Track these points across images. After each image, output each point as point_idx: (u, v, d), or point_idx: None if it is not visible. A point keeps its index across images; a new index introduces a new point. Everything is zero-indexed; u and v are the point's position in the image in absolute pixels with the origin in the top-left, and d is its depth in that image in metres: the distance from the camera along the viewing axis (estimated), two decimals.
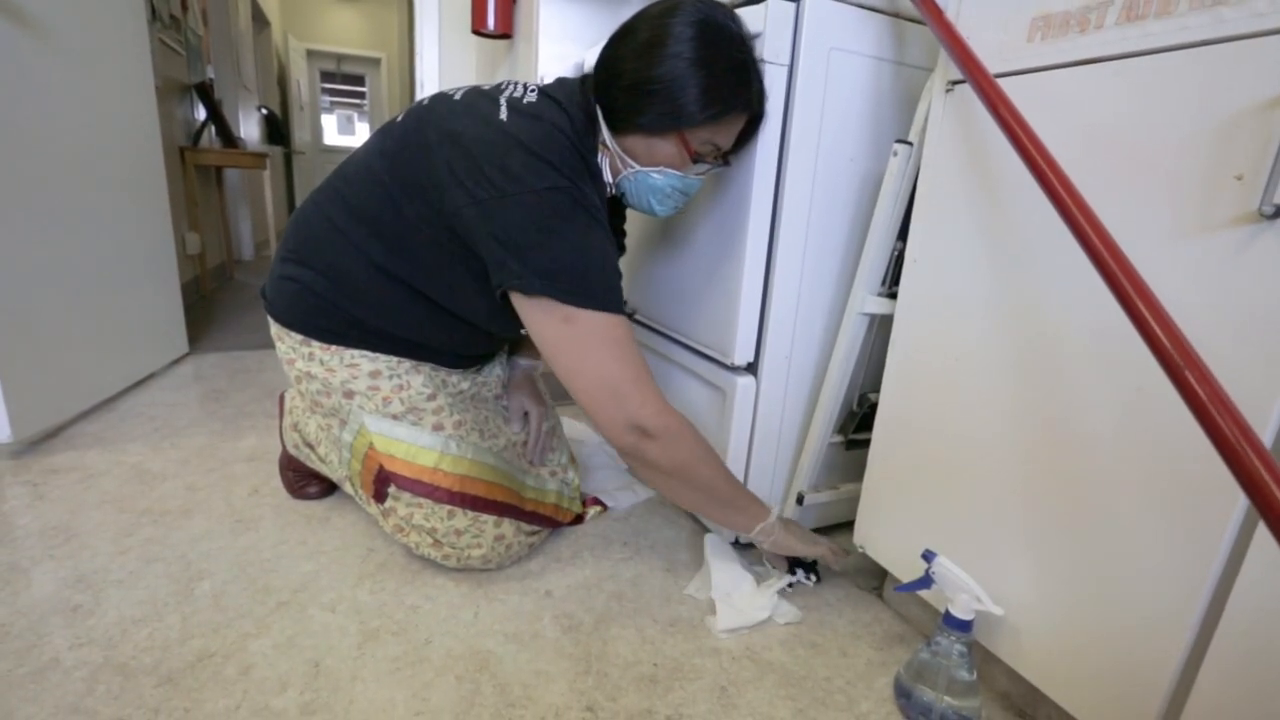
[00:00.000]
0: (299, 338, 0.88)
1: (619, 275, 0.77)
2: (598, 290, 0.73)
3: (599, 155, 0.80)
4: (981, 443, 0.70)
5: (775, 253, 0.88)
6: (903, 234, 0.84)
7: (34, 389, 1.25)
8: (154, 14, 2.19)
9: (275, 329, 0.91)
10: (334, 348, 0.86)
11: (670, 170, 0.79)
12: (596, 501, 1.13)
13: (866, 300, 0.86)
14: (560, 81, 0.82)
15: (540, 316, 0.74)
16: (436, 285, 0.83)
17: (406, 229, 0.79)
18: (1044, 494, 0.64)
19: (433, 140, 0.75)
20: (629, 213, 0.99)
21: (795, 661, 0.79)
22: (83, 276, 1.40)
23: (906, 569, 0.83)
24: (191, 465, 1.22)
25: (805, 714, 0.71)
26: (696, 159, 0.79)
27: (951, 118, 0.71)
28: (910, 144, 0.79)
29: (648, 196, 0.82)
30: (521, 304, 0.74)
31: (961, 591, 0.66)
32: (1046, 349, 0.63)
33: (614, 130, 0.78)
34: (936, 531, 0.76)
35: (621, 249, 1.02)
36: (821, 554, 0.88)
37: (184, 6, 2.66)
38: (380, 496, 0.90)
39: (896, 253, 0.86)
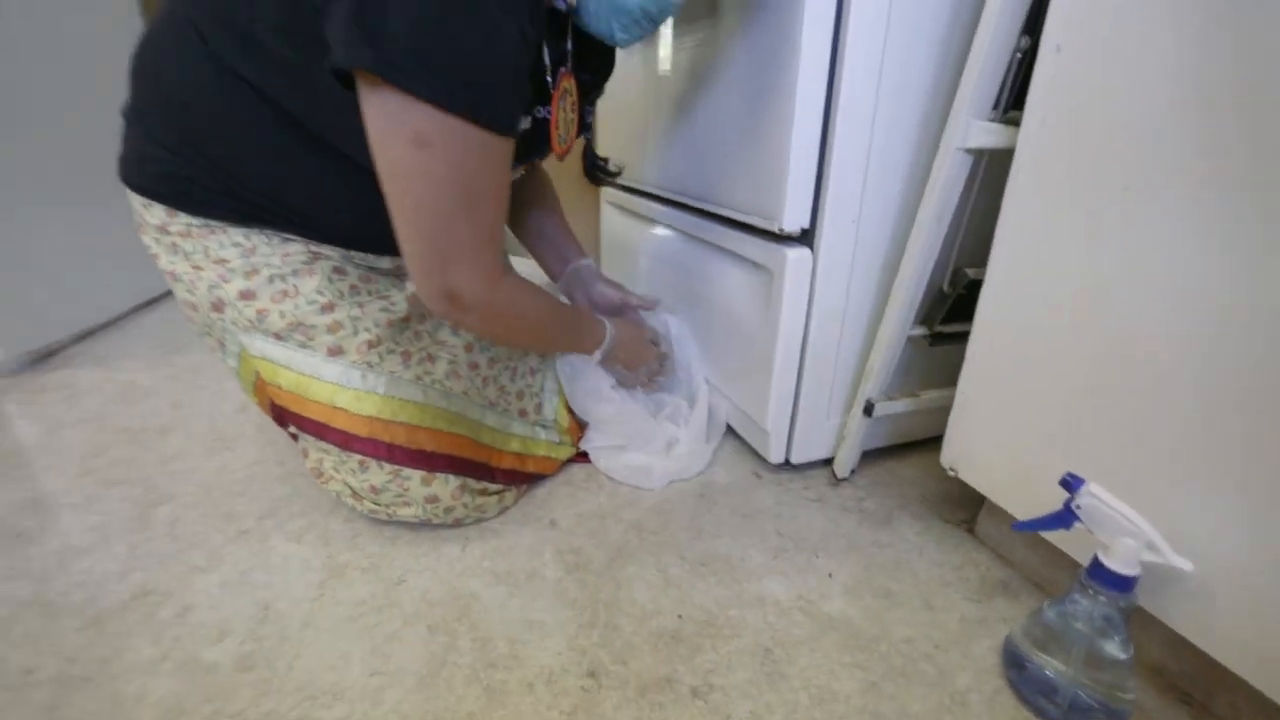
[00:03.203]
0: (159, 217, 0.63)
1: (525, 89, 0.56)
2: (486, 90, 0.49)
3: None
4: (1167, 322, 0.46)
5: (839, 73, 0.63)
6: (1030, 28, 0.58)
7: (25, 308, 1.17)
8: None
9: (135, 206, 0.65)
10: (196, 232, 0.62)
11: None
12: (584, 457, 0.86)
13: (971, 129, 0.61)
14: None
15: (381, 123, 0.49)
16: (302, 100, 0.57)
17: (253, 6, 0.54)
18: (1268, 405, 0.40)
19: None
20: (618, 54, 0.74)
21: (864, 615, 0.61)
22: (76, 187, 1.29)
23: (1019, 498, 0.61)
24: (182, 381, 1.11)
25: (879, 690, 0.53)
26: None
27: None
28: None
29: (610, 19, 0.59)
30: (364, 100, 0.49)
31: (1124, 534, 0.44)
32: None
33: None
34: (1075, 451, 0.54)
35: (600, 85, 0.76)
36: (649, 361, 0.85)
37: None
38: (293, 436, 0.72)
39: (1021, 54, 0.59)
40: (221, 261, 0.63)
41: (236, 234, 0.63)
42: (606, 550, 0.69)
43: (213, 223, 0.62)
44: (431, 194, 0.52)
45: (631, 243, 1.15)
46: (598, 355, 0.80)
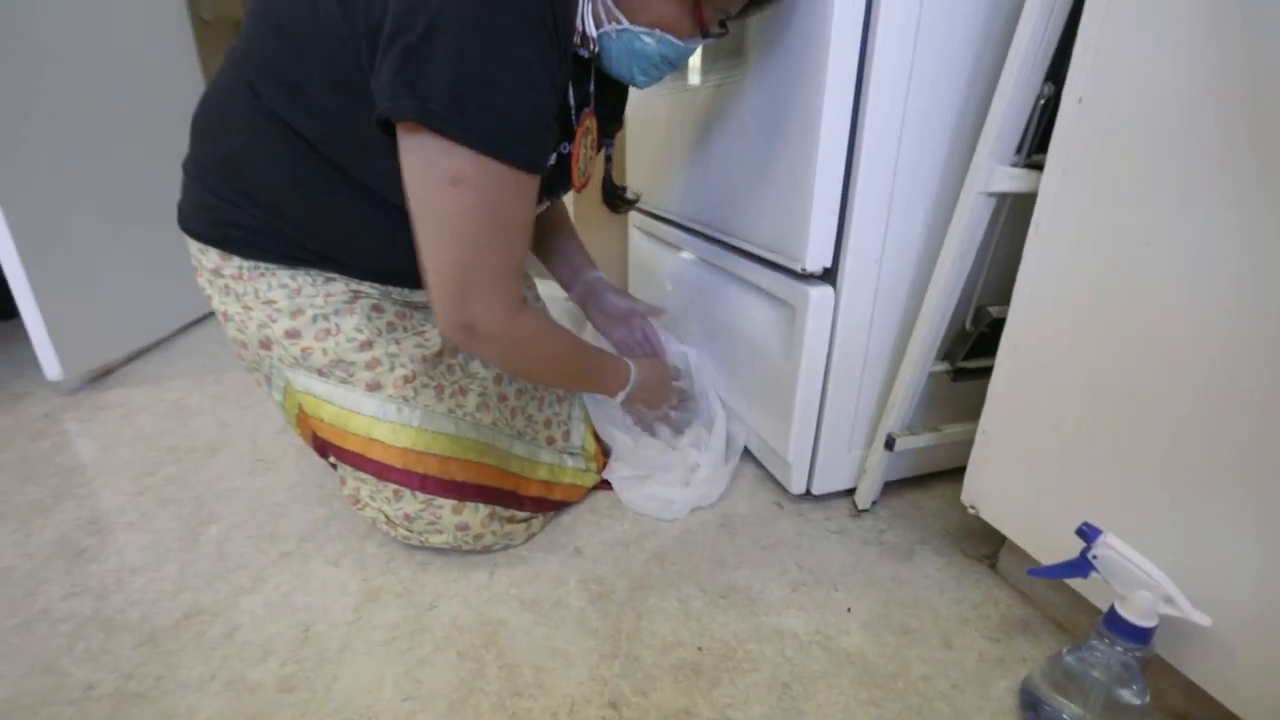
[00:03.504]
0: (213, 261, 0.68)
1: (553, 131, 0.59)
2: (518, 133, 0.53)
3: (582, 0, 0.59)
4: (1188, 368, 0.46)
5: (862, 116, 0.64)
6: (1053, 75, 0.58)
7: (84, 329, 1.24)
8: None
9: (192, 251, 0.70)
10: (247, 274, 0.67)
11: (668, 37, 0.60)
12: (609, 484, 0.87)
13: (995, 174, 0.62)
14: None
15: (419, 164, 0.53)
16: (345, 147, 0.61)
17: (298, 60, 0.58)
18: None
19: None
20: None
21: (882, 652, 0.62)
22: (132, 218, 1.38)
23: (1039, 540, 0.62)
24: (227, 401, 1.17)
25: None
26: (704, 31, 0.60)
27: None
28: None
29: (630, 63, 0.62)
30: (403, 143, 0.53)
31: (1141, 587, 0.45)
32: None
33: None
34: (1094, 495, 0.54)
35: (618, 119, 0.79)
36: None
37: None
38: (333, 465, 0.75)
39: (1044, 100, 0.60)
40: (270, 302, 0.67)
41: (284, 275, 0.67)
42: (629, 580, 0.71)
43: (262, 265, 0.66)
44: (463, 227, 0.55)
45: (657, 268, 1.17)
46: (621, 396, 0.81)
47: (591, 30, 0.60)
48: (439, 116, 0.50)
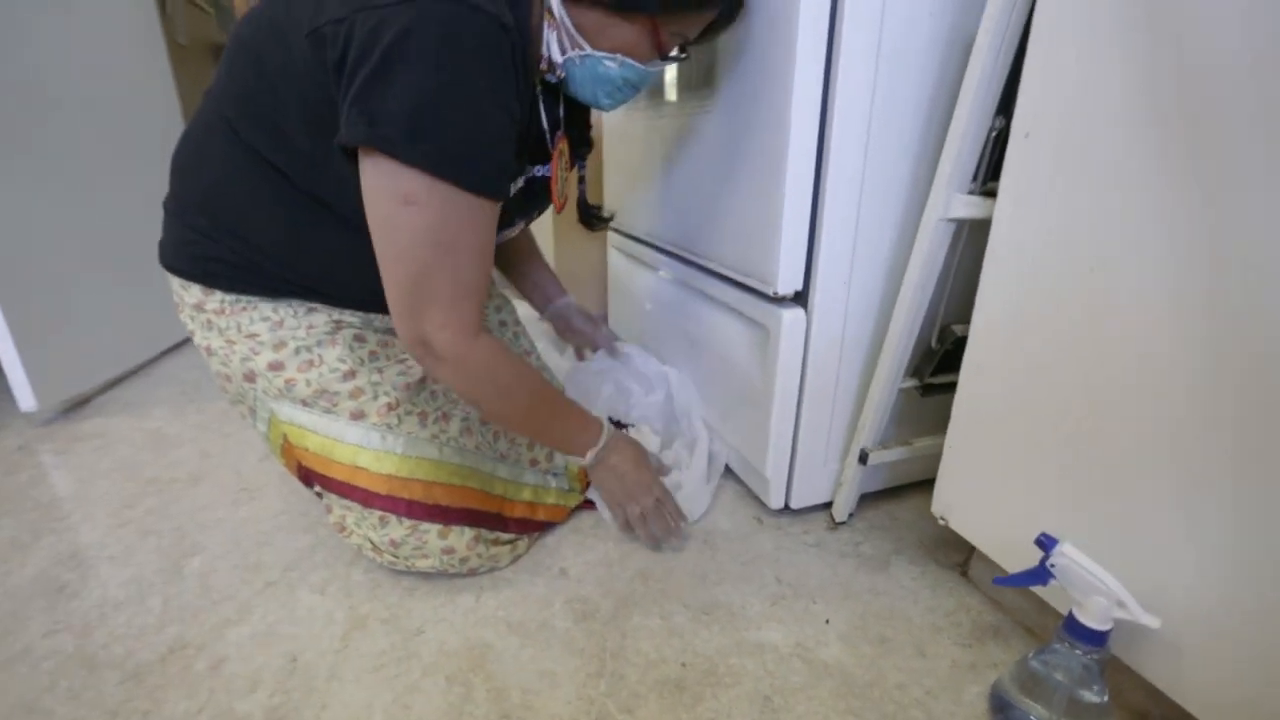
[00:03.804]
0: (195, 296, 0.69)
1: (508, 158, 0.60)
2: (470, 158, 0.55)
3: (545, 26, 0.61)
4: (1133, 384, 0.49)
5: (827, 145, 0.67)
6: (1004, 109, 0.62)
7: (58, 358, 1.23)
8: None
9: (174, 287, 0.71)
10: (229, 309, 0.68)
11: (630, 61, 0.62)
12: (591, 504, 0.88)
13: (953, 201, 0.65)
14: None
15: (374, 185, 0.55)
16: (322, 181, 0.63)
17: (274, 97, 0.60)
18: (1237, 457, 0.44)
19: None
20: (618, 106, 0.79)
21: (859, 662, 0.64)
22: (107, 244, 1.37)
23: (1005, 548, 0.64)
24: (209, 430, 1.16)
25: None
26: (663, 54, 0.63)
27: None
28: None
29: (594, 87, 0.65)
30: (362, 168, 0.56)
31: (1095, 593, 0.47)
32: (1252, 253, 0.41)
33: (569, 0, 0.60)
34: (1053, 503, 0.57)
35: (589, 141, 0.82)
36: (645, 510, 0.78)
37: None
38: (318, 494, 0.77)
39: (995, 133, 0.63)
40: (252, 336, 0.68)
41: (266, 308, 0.68)
42: (613, 599, 0.72)
43: (244, 299, 0.67)
44: (415, 245, 0.57)
45: (635, 287, 1.20)
46: (590, 457, 0.75)
47: (557, 57, 0.62)
48: (391, 140, 0.52)
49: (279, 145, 0.62)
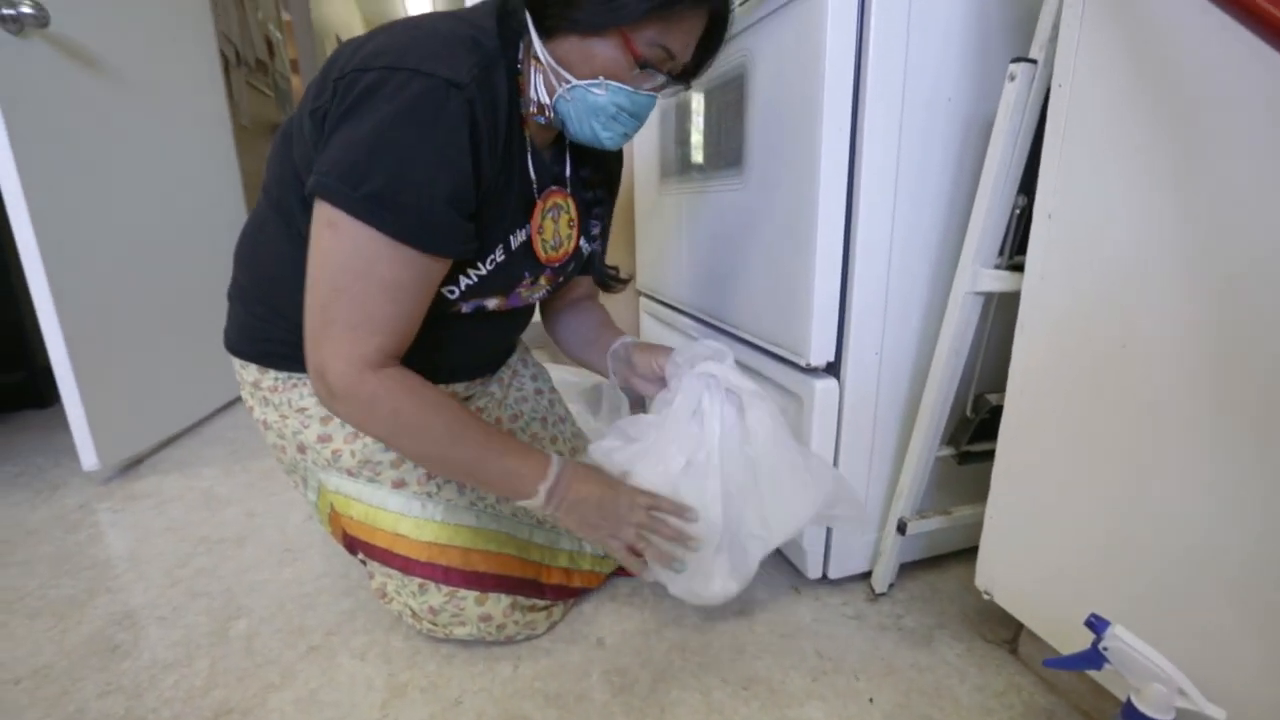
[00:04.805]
0: (253, 375, 0.74)
1: (454, 210, 0.60)
2: (393, 206, 0.56)
3: (531, 71, 0.64)
4: (1173, 460, 0.49)
5: (855, 223, 0.70)
6: (1026, 187, 0.64)
7: (119, 418, 1.30)
8: (238, 59, 2.29)
9: (236, 368, 0.77)
10: (282, 386, 0.72)
11: (614, 83, 0.62)
12: (625, 571, 0.82)
13: (980, 276, 0.67)
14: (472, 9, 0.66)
15: (313, 220, 0.59)
16: None
17: (300, 183, 0.63)
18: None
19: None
20: (642, 175, 0.79)
21: None
22: (166, 309, 1.46)
23: (1054, 626, 0.63)
24: (256, 489, 1.21)
25: None
26: (643, 64, 0.61)
27: (1098, 11, 0.52)
28: (1034, 61, 0.59)
29: (589, 120, 0.64)
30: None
31: (1154, 680, 0.46)
32: (1267, 326, 0.42)
33: (546, 36, 0.62)
34: (1104, 580, 0.56)
35: (604, 202, 0.82)
36: (628, 542, 0.66)
37: (270, 53, 2.79)
38: (363, 562, 0.79)
39: (1019, 210, 0.66)
40: (302, 410, 0.72)
41: (309, 390, 0.72)
42: (651, 670, 0.72)
43: (295, 376, 0.72)
44: (329, 267, 0.58)
45: None
46: (541, 494, 0.64)
47: (545, 99, 0.63)
48: (327, 186, 0.56)
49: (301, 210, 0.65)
